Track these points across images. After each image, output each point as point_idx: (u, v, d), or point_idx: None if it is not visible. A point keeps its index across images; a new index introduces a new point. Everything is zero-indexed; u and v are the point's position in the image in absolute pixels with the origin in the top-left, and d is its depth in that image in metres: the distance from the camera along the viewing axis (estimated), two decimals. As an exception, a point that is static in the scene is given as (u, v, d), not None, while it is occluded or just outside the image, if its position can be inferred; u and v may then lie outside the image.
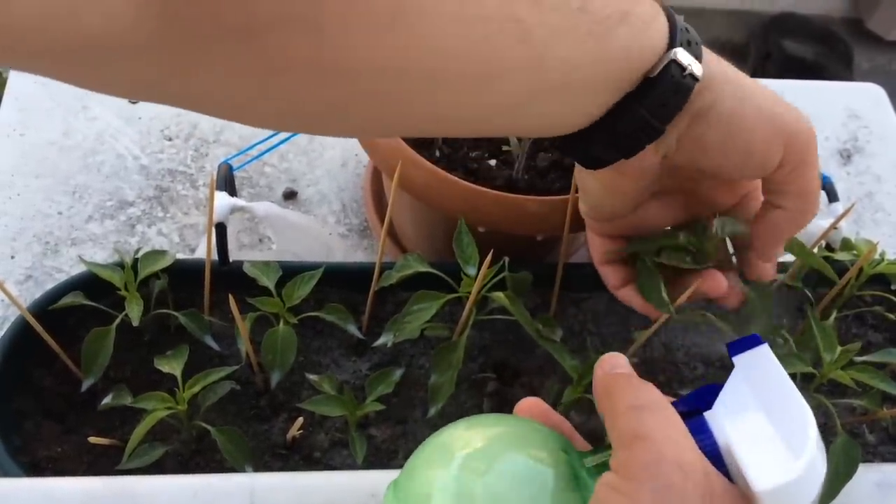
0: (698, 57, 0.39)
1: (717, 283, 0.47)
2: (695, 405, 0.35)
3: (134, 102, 0.79)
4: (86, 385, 0.53)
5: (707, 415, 0.34)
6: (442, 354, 0.53)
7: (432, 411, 0.53)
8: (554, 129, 0.40)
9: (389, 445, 0.55)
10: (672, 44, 0.38)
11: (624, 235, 0.50)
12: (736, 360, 0.36)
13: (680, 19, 0.40)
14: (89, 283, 0.56)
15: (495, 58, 0.33)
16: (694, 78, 0.38)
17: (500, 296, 0.52)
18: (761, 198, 0.48)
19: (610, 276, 0.51)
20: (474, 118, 0.37)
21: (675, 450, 0.31)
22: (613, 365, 0.37)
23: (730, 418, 0.34)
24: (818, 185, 0.45)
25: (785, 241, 0.48)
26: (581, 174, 0.47)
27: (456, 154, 0.63)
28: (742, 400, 0.34)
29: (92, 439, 0.49)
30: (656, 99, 0.38)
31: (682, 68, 0.38)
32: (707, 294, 0.48)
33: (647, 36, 0.37)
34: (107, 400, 0.51)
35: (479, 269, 0.52)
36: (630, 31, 0.36)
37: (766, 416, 0.34)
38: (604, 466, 0.34)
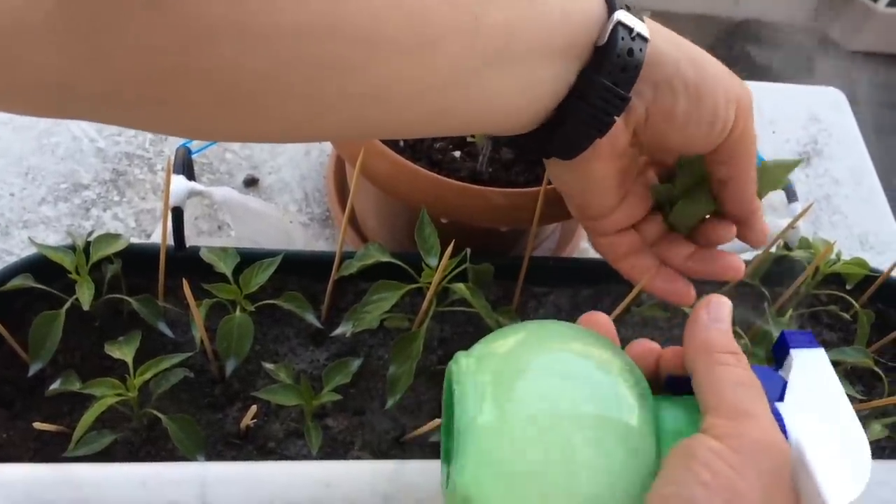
0: (641, 20, 0.39)
1: (729, 230, 0.47)
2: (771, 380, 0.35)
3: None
4: (33, 370, 0.51)
5: (780, 407, 0.34)
6: (401, 345, 0.52)
7: (390, 402, 0.52)
8: (520, 112, 0.39)
9: (346, 436, 0.55)
10: (612, 9, 0.38)
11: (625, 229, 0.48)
12: (795, 354, 0.36)
13: None
14: (39, 265, 0.54)
15: (427, 21, 0.32)
16: (643, 38, 0.38)
17: (461, 287, 0.52)
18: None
19: (635, 271, 0.49)
20: (421, 98, 0.35)
21: (779, 437, 0.32)
22: (717, 317, 0.36)
23: (799, 417, 0.34)
24: (753, 143, 0.45)
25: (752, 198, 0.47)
26: (558, 175, 0.46)
27: (420, 144, 0.63)
28: (806, 401, 0.35)
29: (37, 425, 0.47)
30: (613, 65, 0.38)
31: (629, 29, 0.38)
32: (718, 240, 0.48)
33: (578, 2, 0.37)
34: (55, 385, 0.50)
35: (440, 260, 0.51)
36: None
37: (830, 426, 0.34)
38: (686, 424, 0.34)
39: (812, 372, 0.35)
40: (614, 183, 0.45)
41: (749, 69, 2.45)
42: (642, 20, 0.39)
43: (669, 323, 0.63)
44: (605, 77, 0.38)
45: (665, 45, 0.40)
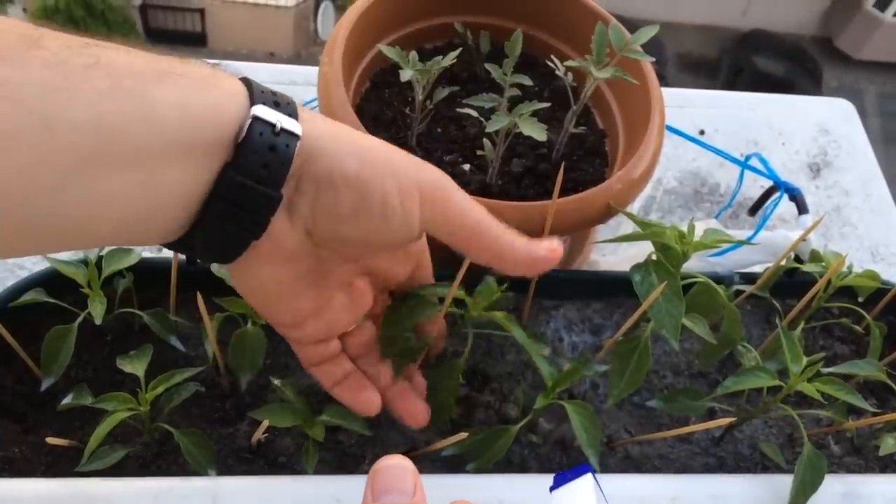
0: (292, 115, 0.37)
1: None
2: None
3: None
4: (45, 384, 0.51)
5: None
6: (440, 375, 0.52)
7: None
8: (149, 218, 0.35)
9: (356, 451, 0.55)
10: (252, 104, 0.36)
11: (326, 339, 0.48)
12: (554, 494, 0.35)
13: (260, 84, 0.38)
14: (52, 280, 0.54)
15: None
16: (290, 134, 0.36)
17: (498, 315, 0.51)
18: (429, 269, 0.50)
19: (323, 376, 0.49)
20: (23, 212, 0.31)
21: None
22: (384, 490, 0.33)
23: None
24: (475, 209, 0.43)
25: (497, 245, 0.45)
26: (238, 280, 0.43)
27: (430, 158, 0.63)
28: None
29: (50, 440, 0.48)
30: (253, 161, 0.35)
31: (271, 125, 0.36)
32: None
33: (206, 95, 0.35)
34: (67, 400, 0.50)
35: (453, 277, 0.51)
36: (176, 89, 0.33)
37: None
38: None
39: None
40: (295, 290, 0.43)
41: (756, 79, 2.45)
42: (294, 113, 0.37)
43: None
44: (245, 175, 0.35)
45: (322, 138, 0.38)
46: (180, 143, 0.34)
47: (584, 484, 0.34)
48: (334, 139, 0.39)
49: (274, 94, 0.38)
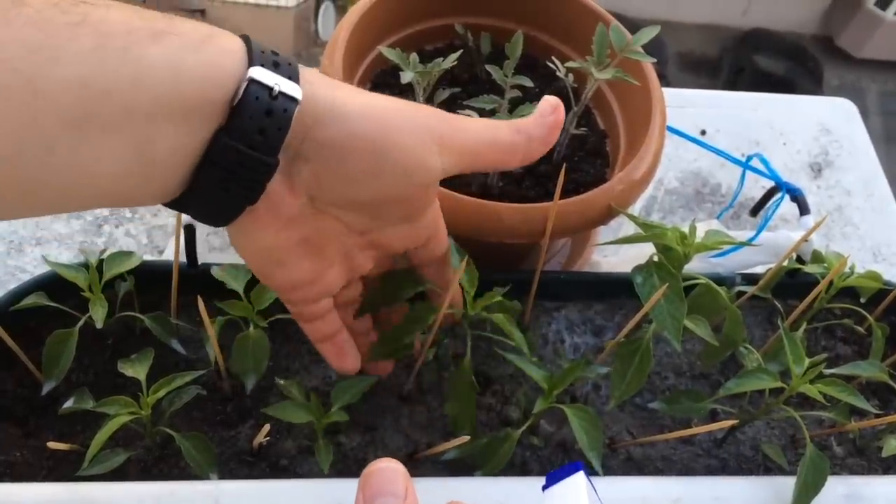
0: (293, 77, 0.36)
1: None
2: None
3: None
4: (46, 388, 0.51)
5: None
6: (456, 382, 0.52)
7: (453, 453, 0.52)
8: (140, 180, 0.34)
9: (358, 453, 0.55)
10: (250, 65, 0.35)
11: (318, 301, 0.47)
12: (546, 494, 0.35)
13: (261, 43, 0.36)
14: (53, 283, 0.54)
15: None
16: (289, 98, 0.35)
17: (499, 317, 0.51)
18: (444, 239, 0.49)
19: (314, 332, 0.49)
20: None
21: None
22: (376, 493, 0.33)
23: None
24: (475, 131, 0.43)
25: None
26: (237, 244, 0.42)
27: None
28: None
29: (51, 444, 0.47)
30: (247, 126, 0.34)
31: (268, 88, 0.34)
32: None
33: (202, 54, 0.33)
34: (68, 404, 0.50)
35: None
36: (169, 48, 0.32)
37: None
38: None
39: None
40: (295, 255, 0.42)
41: (757, 78, 2.45)
42: (295, 75, 0.36)
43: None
44: (238, 140, 0.34)
45: (327, 102, 0.37)
46: (172, 103, 0.32)
47: (576, 482, 0.34)
48: (343, 102, 0.37)
49: (275, 53, 0.36)
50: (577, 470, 0.35)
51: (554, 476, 0.36)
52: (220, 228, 0.41)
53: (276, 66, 0.35)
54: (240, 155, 0.35)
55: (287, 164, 0.38)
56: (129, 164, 0.33)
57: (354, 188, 0.39)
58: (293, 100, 0.35)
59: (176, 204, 0.37)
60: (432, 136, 0.40)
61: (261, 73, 0.34)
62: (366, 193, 0.39)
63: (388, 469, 0.33)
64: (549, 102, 0.44)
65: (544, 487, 0.36)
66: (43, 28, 0.29)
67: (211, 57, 0.34)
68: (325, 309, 0.48)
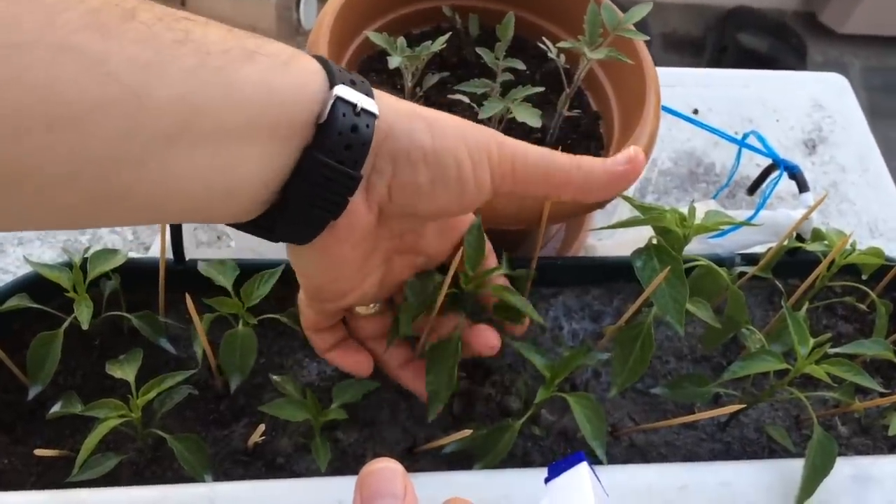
0: (369, 94, 0.37)
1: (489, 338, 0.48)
2: None
3: None
4: (32, 393, 0.50)
5: None
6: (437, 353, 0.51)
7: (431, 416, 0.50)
8: (229, 195, 0.35)
9: (356, 449, 0.53)
10: (332, 84, 0.36)
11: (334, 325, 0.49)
12: (549, 486, 0.34)
13: (334, 63, 0.38)
14: (35, 284, 0.53)
15: (62, 98, 0.28)
16: (369, 114, 0.37)
17: (497, 287, 0.50)
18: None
19: (321, 342, 0.50)
20: (75, 180, 0.30)
21: None
22: (375, 494, 0.33)
23: None
24: (540, 155, 0.43)
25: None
26: (297, 260, 0.43)
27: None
28: None
29: (38, 451, 0.46)
30: (336, 142, 0.36)
31: (352, 105, 0.36)
32: (480, 352, 0.49)
33: (289, 75, 0.35)
34: (55, 408, 0.49)
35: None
36: (260, 69, 0.34)
37: None
38: None
39: (564, 495, 0.34)
40: (355, 268, 0.43)
41: (740, 56, 2.44)
42: (370, 92, 0.38)
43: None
44: (328, 156, 0.36)
45: (396, 116, 0.38)
46: (262, 122, 0.34)
47: (579, 472, 0.34)
48: (407, 116, 0.39)
49: (348, 72, 0.38)
50: (579, 461, 0.35)
51: (556, 468, 0.35)
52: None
53: (353, 84, 0.37)
54: (330, 170, 0.36)
55: (365, 178, 0.39)
56: (217, 180, 0.34)
57: (419, 199, 0.40)
58: (373, 115, 0.37)
59: (258, 224, 0.39)
60: (481, 148, 0.41)
61: (345, 91, 0.36)
62: (427, 204, 0.40)
63: (386, 469, 0.33)
64: (629, 153, 0.45)
65: (547, 480, 0.35)
66: (151, 45, 0.30)
67: (297, 78, 0.35)
68: (337, 318, 0.49)
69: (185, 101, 0.31)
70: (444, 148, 0.39)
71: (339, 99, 0.36)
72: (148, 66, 0.30)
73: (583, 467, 0.34)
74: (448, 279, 0.47)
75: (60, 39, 0.28)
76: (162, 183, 0.32)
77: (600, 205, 0.57)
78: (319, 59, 0.38)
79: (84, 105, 0.29)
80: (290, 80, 0.35)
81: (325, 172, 0.36)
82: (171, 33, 0.31)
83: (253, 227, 0.39)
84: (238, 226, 0.40)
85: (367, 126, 0.37)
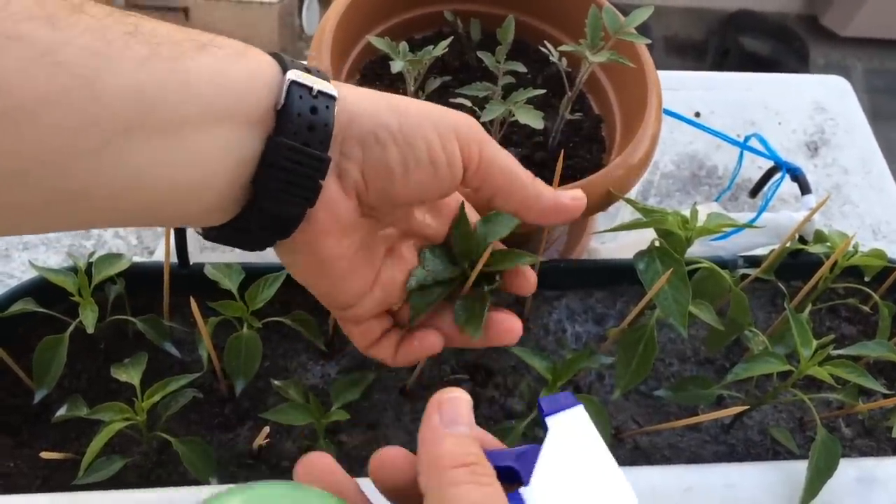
0: (325, 80, 0.38)
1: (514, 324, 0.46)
2: (515, 466, 0.33)
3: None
4: (38, 396, 0.50)
5: (524, 492, 0.32)
6: None
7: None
8: (200, 190, 0.35)
9: (360, 451, 0.53)
10: (285, 71, 0.36)
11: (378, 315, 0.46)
12: (549, 421, 0.34)
13: (289, 58, 0.38)
14: (41, 288, 0.53)
15: (8, 89, 0.27)
16: (327, 96, 0.37)
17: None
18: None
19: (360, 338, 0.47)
20: (26, 177, 0.30)
21: None
22: (452, 419, 0.32)
23: (547, 497, 0.32)
24: (506, 155, 0.43)
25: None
26: (292, 264, 0.42)
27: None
28: (559, 473, 0.33)
29: (44, 454, 0.46)
30: (297, 124, 0.36)
31: (307, 88, 0.36)
32: (501, 340, 0.47)
33: (242, 64, 0.35)
34: (61, 412, 0.49)
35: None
36: (213, 59, 0.33)
37: (584, 495, 0.32)
38: None
39: (570, 437, 0.34)
40: (354, 264, 0.42)
41: (743, 60, 2.44)
42: (327, 79, 0.38)
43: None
44: (290, 138, 0.36)
45: (358, 100, 0.39)
46: (219, 111, 0.34)
47: (577, 413, 0.34)
48: (370, 99, 0.39)
49: (304, 63, 0.38)
50: (574, 403, 0.35)
51: (548, 402, 0.35)
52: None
53: (307, 71, 0.37)
54: (295, 152, 0.36)
55: (335, 164, 0.39)
56: (178, 172, 0.33)
57: (394, 182, 0.40)
58: (331, 97, 0.37)
59: (236, 227, 0.38)
60: (448, 126, 0.40)
61: (298, 75, 0.36)
62: (403, 187, 0.40)
63: (461, 399, 0.33)
64: (577, 193, 0.45)
65: (544, 413, 0.35)
66: (101, 36, 0.30)
67: (251, 65, 0.35)
68: (384, 328, 0.47)
69: (139, 91, 0.31)
70: (411, 126, 0.39)
71: (293, 83, 0.36)
72: (98, 55, 0.29)
73: (580, 410, 0.35)
74: (472, 277, 0.47)
75: (6, 29, 0.27)
76: (121, 178, 0.32)
77: (603, 206, 0.57)
78: (272, 53, 0.38)
79: (32, 96, 0.28)
80: (243, 68, 0.35)
81: (290, 156, 0.36)
82: (121, 26, 0.31)
83: (231, 230, 0.38)
84: (219, 237, 0.39)
85: (327, 107, 0.37)
